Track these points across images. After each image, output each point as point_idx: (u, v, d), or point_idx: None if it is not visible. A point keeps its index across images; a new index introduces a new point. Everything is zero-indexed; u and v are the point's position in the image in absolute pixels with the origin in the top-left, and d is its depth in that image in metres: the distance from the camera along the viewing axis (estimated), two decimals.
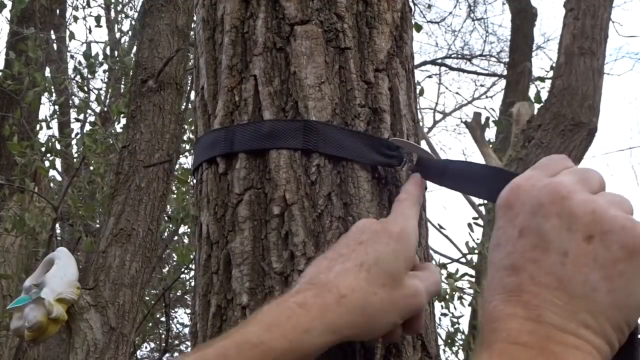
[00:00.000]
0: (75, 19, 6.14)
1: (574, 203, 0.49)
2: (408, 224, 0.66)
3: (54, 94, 5.51)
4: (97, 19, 5.89)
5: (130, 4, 6.86)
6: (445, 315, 4.14)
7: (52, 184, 5.56)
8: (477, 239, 4.77)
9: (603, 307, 0.47)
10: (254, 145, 0.76)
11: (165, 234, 5.62)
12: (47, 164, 4.70)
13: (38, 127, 5.68)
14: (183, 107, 3.96)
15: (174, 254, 6.52)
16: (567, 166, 0.55)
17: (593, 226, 0.48)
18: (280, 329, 0.56)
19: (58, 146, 4.91)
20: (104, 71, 6.44)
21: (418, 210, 0.70)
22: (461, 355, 4.32)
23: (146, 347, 8.98)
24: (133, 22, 6.56)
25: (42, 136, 5.55)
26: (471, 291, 4.19)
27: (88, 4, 6.43)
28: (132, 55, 5.08)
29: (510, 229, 0.51)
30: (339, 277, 0.60)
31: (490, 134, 8.37)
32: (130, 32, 6.52)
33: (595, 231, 0.48)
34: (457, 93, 13.19)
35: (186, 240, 6.24)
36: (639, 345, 0.50)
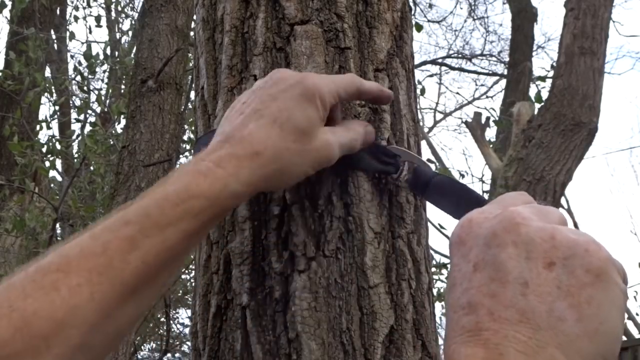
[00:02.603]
0: (76, 18, 6.14)
1: (531, 229, 0.46)
2: (322, 82, 0.67)
3: (54, 94, 5.51)
4: (98, 19, 5.90)
5: (131, 4, 6.86)
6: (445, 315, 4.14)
7: (52, 184, 5.56)
8: None
9: (572, 338, 0.42)
10: None
11: None
12: (47, 164, 4.70)
13: (38, 127, 5.68)
14: (183, 107, 3.95)
15: None
16: (526, 201, 0.52)
17: (553, 252, 0.44)
18: (199, 187, 0.59)
19: (58, 146, 4.92)
20: (104, 71, 6.45)
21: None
22: None
23: (147, 348, 8.98)
24: (133, 22, 6.56)
25: (43, 136, 5.56)
26: None
27: (88, 4, 6.43)
28: (132, 55, 5.08)
29: (465, 265, 0.47)
30: (252, 134, 0.63)
31: (491, 133, 8.38)
32: (130, 32, 6.52)
33: (557, 257, 0.44)
34: (457, 93, 13.20)
35: None
36: None
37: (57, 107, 5.81)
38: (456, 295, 0.47)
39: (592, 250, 0.44)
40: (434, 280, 3.83)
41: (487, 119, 7.33)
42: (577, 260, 0.44)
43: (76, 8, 6.55)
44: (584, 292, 0.43)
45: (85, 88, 5.69)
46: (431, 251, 0.84)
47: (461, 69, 12.23)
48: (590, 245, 0.45)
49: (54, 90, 5.50)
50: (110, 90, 6.57)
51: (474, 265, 0.47)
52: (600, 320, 0.43)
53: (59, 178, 6.16)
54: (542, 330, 0.42)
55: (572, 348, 0.42)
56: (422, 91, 5.90)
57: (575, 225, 9.89)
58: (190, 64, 4.17)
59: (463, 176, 7.68)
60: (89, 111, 6.05)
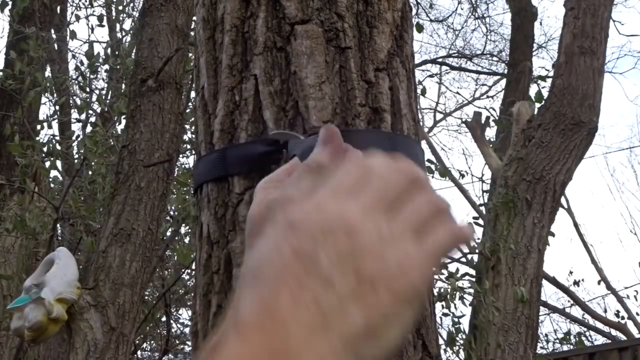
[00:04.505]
0: (78, 17, 6.14)
1: (360, 238, 0.46)
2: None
3: (54, 94, 5.51)
4: (100, 18, 5.89)
5: (132, 4, 6.86)
6: (446, 315, 4.14)
7: (52, 184, 5.56)
8: (478, 239, 4.77)
9: (355, 336, 0.44)
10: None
11: (168, 233, 5.62)
12: (47, 164, 4.69)
13: (39, 127, 5.68)
14: (183, 106, 3.96)
15: (175, 254, 6.52)
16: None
17: (367, 264, 0.45)
18: None
19: (58, 147, 4.91)
20: (106, 71, 6.45)
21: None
22: (462, 355, 4.32)
23: (147, 347, 8.98)
24: (133, 22, 6.56)
25: (43, 136, 5.55)
26: (472, 291, 4.19)
27: (91, 4, 6.43)
28: (133, 55, 5.08)
29: (285, 247, 0.46)
30: None
31: (491, 133, 8.38)
32: (131, 32, 6.52)
33: (368, 270, 0.45)
34: (457, 93, 13.18)
35: (187, 240, 6.24)
36: None
37: (57, 107, 5.81)
38: (258, 260, 0.47)
39: (405, 265, 0.46)
40: (434, 280, 3.83)
41: (487, 118, 7.32)
42: (381, 280, 0.45)
43: (78, 7, 6.55)
44: (382, 304, 0.44)
45: (86, 88, 5.69)
46: None
47: (461, 69, 12.23)
48: (404, 263, 0.46)
49: (54, 90, 5.50)
50: (111, 91, 6.57)
51: (293, 250, 0.46)
52: (383, 325, 0.45)
53: (60, 178, 6.16)
54: (331, 328, 0.43)
55: (350, 347, 0.43)
56: (423, 91, 5.89)
57: (576, 225, 9.88)
58: (191, 64, 4.17)
59: (463, 176, 7.68)
60: (90, 111, 6.04)
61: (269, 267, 0.46)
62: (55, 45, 6.57)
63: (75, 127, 7.01)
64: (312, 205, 0.48)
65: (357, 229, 0.46)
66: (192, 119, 4.48)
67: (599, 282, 9.38)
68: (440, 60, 12.17)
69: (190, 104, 4.80)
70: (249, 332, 0.43)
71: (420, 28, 6.39)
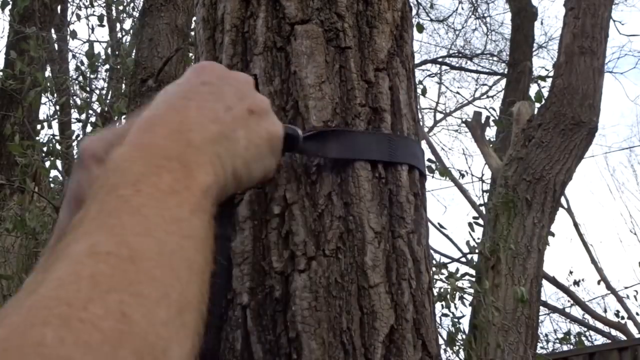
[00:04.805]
0: (78, 17, 6.15)
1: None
2: None
3: (55, 94, 5.51)
4: (100, 17, 5.89)
5: (132, 4, 6.86)
6: (446, 315, 4.14)
7: (52, 184, 5.56)
8: (478, 239, 4.78)
9: (238, 153, 0.56)
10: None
11: None
12: (47, 164, 4.69)
13: (39, 127, 5.68)
14: None
15: None
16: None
17: (255, 105, 0.60)
18: None
19: (59, 147, 4.91)
20: (106, 71, 6.44)
21: None
22: (462, 355, 4.32)
23: None
24: (134, 22, 6.56)
25: (43, 136, 5.55)
26: (472, 291, 4.19)
27: (91, 4, 6.43)
28: (133, 55, 5.08)
29: (195, 78, 0.59)
30: None
31: (491, 133, 8.38)
32: (132, 32, 6.53)
33: (257, 109, 0.60)
34: (457, 93, 13.19)
35: None
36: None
37: (57, 107, 5.80)
38: (174, 89, 0.59)
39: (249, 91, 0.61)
40: (434, 280, 3.84)
41: (487, 118, 7.33)
42: (265, 117, 0.61)
43: (79, 7, 6.55)
44: (260, 135, 0.60)
45: (87, 88, 5.69)
46: (431, 251, 0.83)
47: (462, 68, 12.23)
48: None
49: (54, 90, 5.50)
50: (111, 91, 6.57)
51: (202, 82, 0.59)
52: (254, 152, 0.58)
53: (60, 178, 6.15)
54: (224, 138, 0.55)
55: (234, 157, 0.56)
56: (424, 92, 5.89)
57: (576, 225, 9.88)
58: (191, 64, 4.17)
59: (463, 176, 7.68)
60: (90, 111, 6.04)
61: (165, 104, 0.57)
62: (56, 45, 6.57)
63: (76, 127, 7.01)
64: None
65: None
66: None
67: (599, 282, 9.39)
68: (440, 60, 12.18)
69: None
70: (155, 127, 0.53)
71: (421, 28, 6.39)
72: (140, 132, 0.52)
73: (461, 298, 4.14)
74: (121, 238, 0.41)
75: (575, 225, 9.85)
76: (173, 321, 0.38)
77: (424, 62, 11.50)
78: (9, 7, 5.35)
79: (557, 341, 9.03)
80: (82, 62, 5.68)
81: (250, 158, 0.58)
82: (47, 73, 5.88)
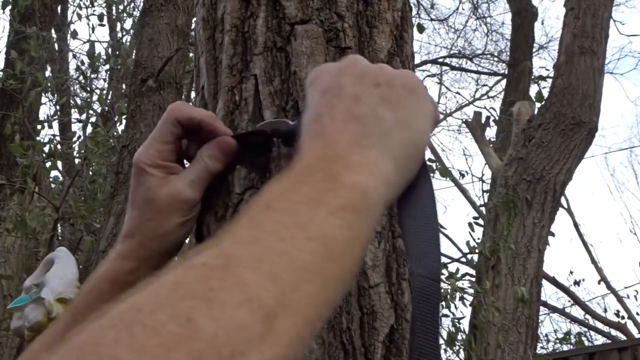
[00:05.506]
0: (79, 16, 6.15)
1: (365, 64, 0.60)
2: None
3: (55, 94, 5.51)
4: (101, 17, 5.89)
5: (132, 4, 6.86)
6: (446, 316, 4.14)
7: (53, 184, 5.56)
8: (478, 239, 4.77)
9: (389, 131, 0.56)
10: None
11: None
12: (48, 164, 4.69)
13: (39, 127, 5.67)
14: None
15: None
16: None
17: (380, 77, 0.59)
18: None
19: (59, 147, 4.91)
20: (106, 71, 6.45)
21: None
22: (462, 355, 4.32)
23: None
24: (134, 22, 6.57)
25: (44, 136, 5.55)
26: (472, 291, 4.19)
27: (91, 3, 6.43)
28: (133, 55, 5.08)
29: (316, 94, 0.59)
30: None
31: (491, 133, 8.38)
32: (132, 32, 6.53)
33: (382, 80, 0.58)
34: (457, 93, 13.18)
35: (187, 240, 6.23)
36: (425, 171, 0.60)
37: (58, 107, 5.80)
38: (308, 115, 0.58)
39: (407, 73, 0.61)
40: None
41: (487, 118, 7.33)
42: (397, 80, 0.59)
43: (80, 7, 6.55)
44: (401, 100, 0.58)
45: (87, 88, 5.69)
46: None
47: (462, 69, 12.22)
48: (406, 71, 0.62)
49: (55, 90, 5.50)
50: (111, 91, 6.57)
51: (322, 91, 0.59)
52: (411, 118, 0.58)
53: (60, 177, 6.16)
54: (368, 126, 0.55)
55: (389, 140, 0.55)
56: None
57: (576, 225, 9.89)
58: (191, 64, 4.17)
59: (463, 176, 7.68)
60: (90, 111, 6.04)
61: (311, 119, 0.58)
62: (56, 45, 6.58)
63: (76, 127, 7.02)
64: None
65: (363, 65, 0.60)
66: None
67: (599, 282, 9.39)
68: (440, 60, 12.18)
69: (190, 103, 4.80)
70: (302, 155, 0.53)
71: (421, 28, 6.39)
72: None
73: (461, 298, 4.14)
74: (220, 249, 0.42)
75: (575, 225, 9.86)
76: (255, 325, 0.38)
77: (424, 63, 11.50)
78: (10, 6, 5.35)
79: (557, 341, 9.03)
80: (82, 62, 5.68)
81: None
82: (48, 73, 5.88)
